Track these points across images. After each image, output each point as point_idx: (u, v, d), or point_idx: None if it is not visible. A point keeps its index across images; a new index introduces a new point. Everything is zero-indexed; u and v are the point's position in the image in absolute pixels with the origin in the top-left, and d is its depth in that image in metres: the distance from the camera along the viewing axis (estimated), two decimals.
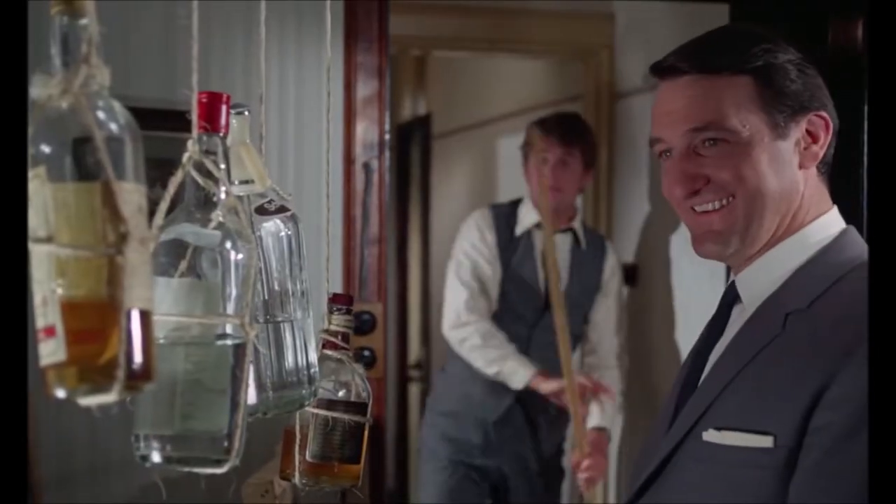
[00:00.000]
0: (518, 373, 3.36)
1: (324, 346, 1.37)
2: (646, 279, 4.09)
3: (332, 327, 1.37)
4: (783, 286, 1.35)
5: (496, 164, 5.68)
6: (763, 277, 1.38)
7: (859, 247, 1.38)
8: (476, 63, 5.70)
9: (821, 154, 1.39)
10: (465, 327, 3.41)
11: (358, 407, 1.36)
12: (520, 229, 3.54)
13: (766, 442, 1.25)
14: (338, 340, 1.37)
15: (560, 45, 4.43)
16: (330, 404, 1.34)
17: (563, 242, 3.56)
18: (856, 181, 2.87)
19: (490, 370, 3.37)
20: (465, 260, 3.51)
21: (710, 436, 1.31)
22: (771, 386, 1.28)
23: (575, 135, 3.53)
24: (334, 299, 1.40)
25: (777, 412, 1.25)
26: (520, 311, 3.48)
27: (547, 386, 3.34)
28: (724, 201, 1.36)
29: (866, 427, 1.16)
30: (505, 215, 3.60)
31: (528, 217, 3.55)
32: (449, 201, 6.19)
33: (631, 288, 4.14)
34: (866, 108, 2.77)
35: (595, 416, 3.46)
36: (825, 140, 1.39)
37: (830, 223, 1.40)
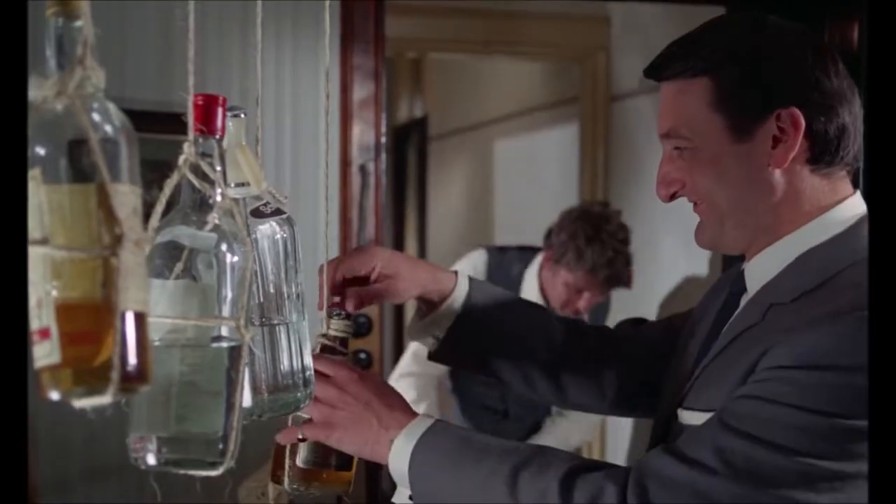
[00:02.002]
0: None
1: (322, 351, 1.37)
2: (641, 279, 4.10)
3: (331, 332, 1.37)
4: (778, 276, 1.34)
5: (492, 166, 5.68)
6: (768, 268, 1.36)
7: (862, 244, 1.33)
8: (472, 65, 5.70)
9: (790, 154, 1.31)
10: (405, 378, 3.32)
11: None
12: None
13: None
14: (336, 345, 1.37)
15: (556, 47, 4.44)
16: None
17: None
18: (853, 181, 2.87)
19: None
20: None
21: (681, 416, 1.36)
22: (734, 370, 1.29)
23: (617, 279, 3.24)
24: (334, 304, 1.40)
25: (721, 388, 1.28)
26: None
27: None
28: (697, 201, 1.38)
29: (779, 404, 1.19)
30: (505, 269, 3.39)
31: (531, 295, 3.30)
32: (445, 203, 6.20)
33: (626, 290, 4.14)
34: (863, 109, 2.78)
35: None
36: (794, 137, 1.30)
37: (838, 216, 1.35)
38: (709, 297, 1.57)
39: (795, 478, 1.19)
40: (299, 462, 1.36)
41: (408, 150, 6.28)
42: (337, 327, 1.37)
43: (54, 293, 0.74)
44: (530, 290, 3.31)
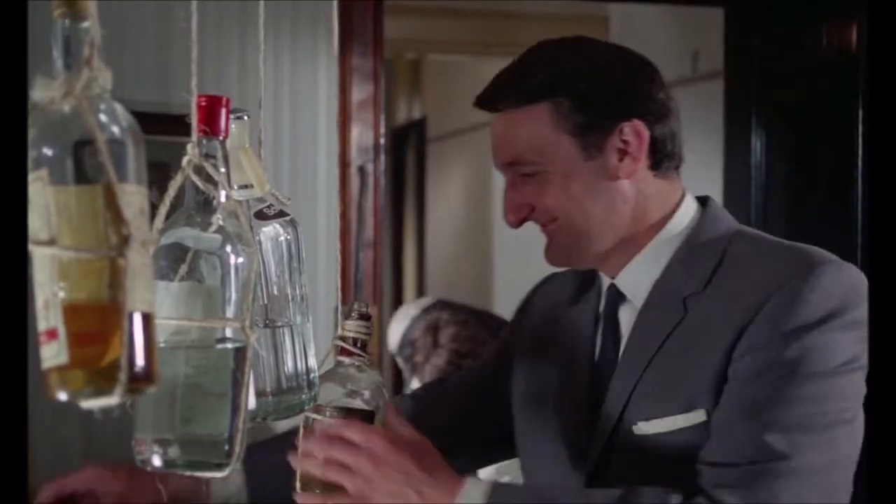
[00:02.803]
0: None
1: (340, 353, 1.33)
2: None
3: (346, 333, 1.33)
4: (666, 271, 1.38)
5: (491, 168, 5.67)
6: (645, 273, 1.40)
7: (726, 218, 1.42)
8: (471, 66, 5.70)
9: (639, 164, 1.37)
10: None
11: (362, 415, 1.31)
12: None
13: (700, 417, 1.30)
14: (351, 346, 1.33)
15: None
16: (335, 412, 1.30)
17: None
18: (851, 182, 2.87)
19: None
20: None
21: (641, 428, 1.34)
22: (688, 365, 1.31)
23: None
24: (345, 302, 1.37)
25: (700, 386, 1.30)
26: None
27: None
28: (552, 224, 1.40)
29: (775, 371, 1.24)
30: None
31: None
32: (444, 205, 6.20)
33: None
34: (861, 110, 2.78)
35: None
36: (639, 148, 1.37)
37: (687, 210, 1.42)
38: (546, 313, 1.57)
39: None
40: None
41: (406, 151, 6.28)
42: (351, 328, 1.33)
43: (61, 294, 0.74)
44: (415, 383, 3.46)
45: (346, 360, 1.33)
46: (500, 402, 1.59)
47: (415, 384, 3.38)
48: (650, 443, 1.33)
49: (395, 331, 3.53)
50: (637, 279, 1.41)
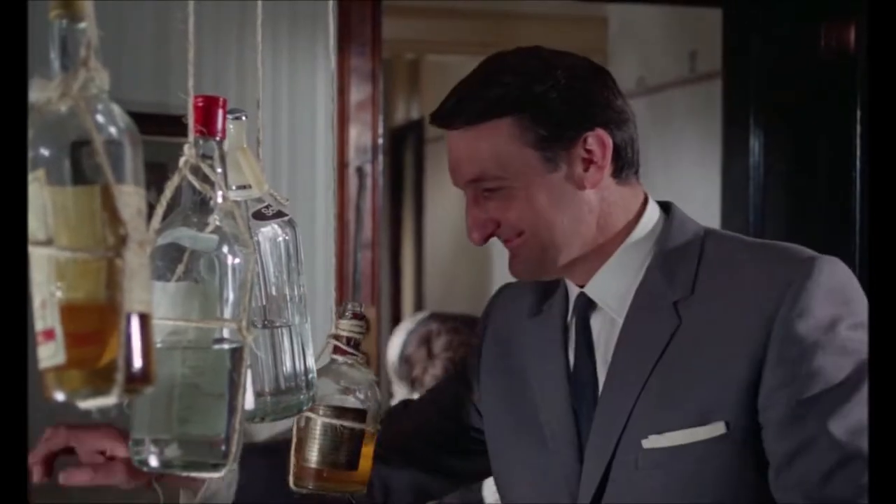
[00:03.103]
0: None
1: (333, 352, 1.35)
2: None
3: (340, 332, 1.34)
4: (645, 279, 1.37)
5: None
6: (617, 280, 1.39)
7: (691, 221, 1.41)
8: (470, 67, 5.69)
9: (603, 173, 1.36)
10: None
11: (355, 413, 1.33)
12: None
13: (718, 430, 1.27)
14: (344, 346, 1.33)
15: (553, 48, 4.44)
16: (327, 410, 1.32)
17: None
18: (848, 183, 2.88)
19: None
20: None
21: (653, 442, 1.30)
22: (699, 373, 1.29)
23: None
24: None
25: (721, 395, 1.27)
26: None
27: None
28: (517, 238, 1.38)
29: (822, 370, 1.24)
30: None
31: None
32: (443, 205, 6.20)
33: None
34: (859, 111, 2.78)
35: None
36: (604, 157, 1.36)
37: (651, 215, 1.41)
38: (508, 327, 1.54)
39: None
40: (311, 462, 1.33)
41: (405, 152, 6.28)
42: (345, 327, 1.34)
43: (59, 294, 0.74)
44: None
45: (340, 358, 1.34)
46: (461, 425, 1.57)
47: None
48: (660, 458, 1.30)
49: (394, 346, 3.52)
50: (608, 286, 1.39)
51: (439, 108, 1.40)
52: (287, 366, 1.18)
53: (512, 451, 1.49)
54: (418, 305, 5.83)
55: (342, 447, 1.33)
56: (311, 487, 1.33)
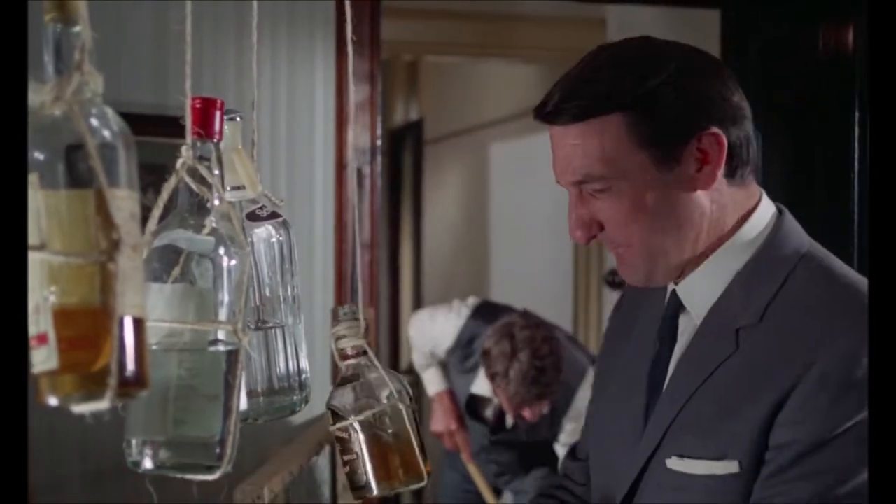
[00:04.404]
0: (431, 384, 3.59)
1: (342, 359, 1.32)
2: None
3: (341, 345, 1.32)
4: (727, 292, 1.32)
5: (488, 169, 5.68)
6: (706, 285, 1.34)
7: (797, 236, 1.34)
8: (468, 68, 5.71)
9: (717, 172, 1.29)
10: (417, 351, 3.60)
11: (391, 417, 1.31)
12: (475, 388, 3.44)
13: (732, 468, 1.24)
14: (350, 353, 1.32)
15: (552, 50, 4.44)
16: (363, 425, 1.29)
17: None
18: (847, 184, 2.88)
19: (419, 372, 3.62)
20: (427, 341, 3.56)
21: (674, 464, 1.29)
22: (730, 408, 1.25)
23: (547, 392, 3.24)
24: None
25: (738, 435, 1.24)
26: None
27: (435, 423, 3.57)
28: (624, 246, 1.33)
29: (830, 441, 1.18)
30: (477, 338, 3.45)
31: (482, 389, 3.43)
32: (441, 206, 6.20)
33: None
34: (857, 112, 2.78)
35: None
36: (719, 157, 1.28)
37: (760, 219, 1.34)
38: (621, 323, 1.53)
39: None
40: (366, 475, 1.32)
41: (403, 153, 6.28)
42: (344, 335, 1.28)
43: (52, 299, 0.74)
44: (483, 384, 3.36)
45: (351, 363, 1.31)
46: None
47: (481, 385, 3.36)
48: (680, 481, 1.29)
49: (447, 334, 3.49)
50: (697, 289, 1.34)
51: (543, 103, 1.32)
52: (280, 367, 1.18)
53: (600, 427, 1.49)
54: (416, 306, 5.83)
55: (391, 453, 1.32)
56: (375, 494, 1.33)
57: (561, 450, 3.38)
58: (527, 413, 3.22)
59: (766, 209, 1.35)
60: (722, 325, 1.30)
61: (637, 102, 1.26)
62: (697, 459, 1.27)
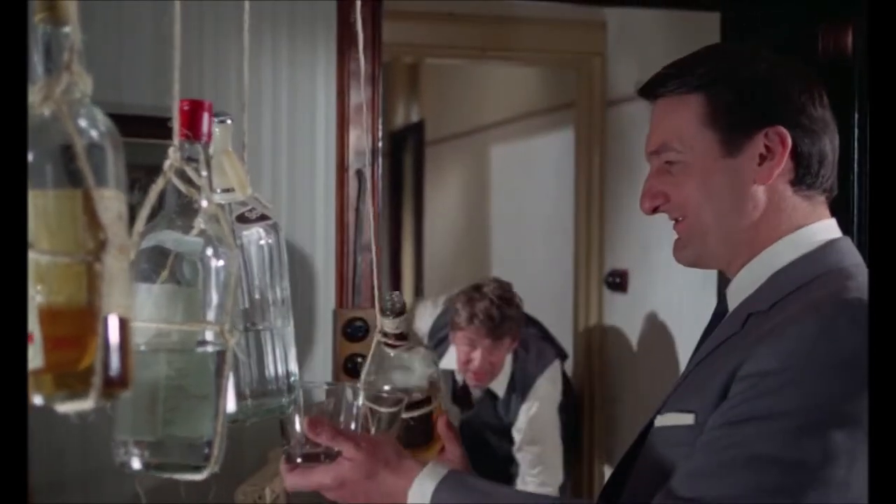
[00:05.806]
0: None
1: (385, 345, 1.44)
2: (636, 286, 4.10)
3: (385, 328, 1.45)
4: (756, 291, 1.37)
5: (489, 171, 5.69)
6: (744, 285, 1.39)
7: (842, 256, 1.37)
8: (469, 70, 5.71)
9: (776, 170, 1.35)
10: None
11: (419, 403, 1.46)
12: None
13: (688, 419, 1.30)
14: (392, 341, 1.45)
15: (552, 52, 4.44)
16: (377, 399, 1.39)
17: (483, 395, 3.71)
18: (847, 184, 2.88)
19: None
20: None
21: (657, 420, 1.37)
22: (710, 377, 1.31)
23: (500, 329, 3.51)
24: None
25: (702, 393, 1.30)
26: None
27: None
28: (680, 217, 1.40)
29: (766, 401, 1.21)
30: (441, 324, 3.81)
31: (451, 361, 3.65)
32: (442, 208, 6.21)
33: (622, 294, 4.15)
34: (856, 114, 2.78)
35: None
36: (780, 155, 1.35)
37: (814, 233, 1.38)
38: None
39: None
40: None
41: (404, 154, 6.29)
42: (389, 325, 1.44)
43: (38, 298, 0.74)
44: (451, 356, 3.64)
45: (391, 351, 1.46)
46: None
47: (446, 362, 3.55)
48: (658, 435, 1.36)
49: (424, 322, 3.73)
50: (737, 285, 1.41)
51: (651, 77, 1.43)
52: (269, 368, 1.18)
53: None
54: None
55: (415, 429, 1.45)
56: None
57: (517, 436, 3.57)
58: (475, 362, 3.47)
59: (827, 229, 1.40)
60: (740, 312, 1.36)
61: (717, 85, 1.36)
62: (668, 413, 1.34)
